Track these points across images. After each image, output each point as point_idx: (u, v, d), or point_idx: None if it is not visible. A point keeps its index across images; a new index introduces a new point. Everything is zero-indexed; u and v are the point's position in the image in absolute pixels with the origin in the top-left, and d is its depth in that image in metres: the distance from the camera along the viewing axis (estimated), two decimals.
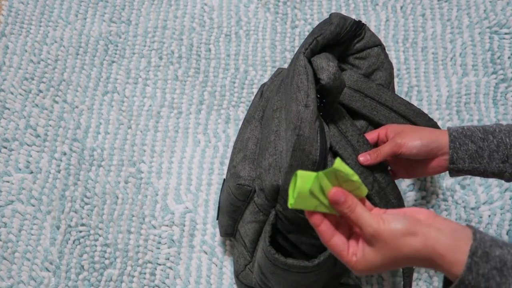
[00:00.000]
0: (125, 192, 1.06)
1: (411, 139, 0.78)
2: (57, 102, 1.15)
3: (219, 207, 0.95)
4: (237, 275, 0.94)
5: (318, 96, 0.78)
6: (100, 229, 1.03)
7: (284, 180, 0.77)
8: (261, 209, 0.84)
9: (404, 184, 1.06)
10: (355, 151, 0.80)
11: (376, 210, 0.62)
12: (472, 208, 1.03)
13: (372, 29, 1.21)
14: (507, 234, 1.01)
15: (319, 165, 0.75)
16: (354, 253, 0.60)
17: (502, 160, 0.75)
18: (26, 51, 1.20)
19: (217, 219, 0.97)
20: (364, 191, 0.61)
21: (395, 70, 1.17)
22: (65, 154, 1.09)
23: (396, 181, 1.04)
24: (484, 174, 0.77)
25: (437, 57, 1.18)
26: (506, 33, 1.20)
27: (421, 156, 0.78)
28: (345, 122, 0.82)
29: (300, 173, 0.59)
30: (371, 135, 0.83)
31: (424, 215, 0.59)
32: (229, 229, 0.94)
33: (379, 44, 0.89)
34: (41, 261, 1.00)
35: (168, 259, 1.01)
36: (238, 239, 0.92)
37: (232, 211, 0.89)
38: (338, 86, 0.78)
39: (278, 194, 0.80)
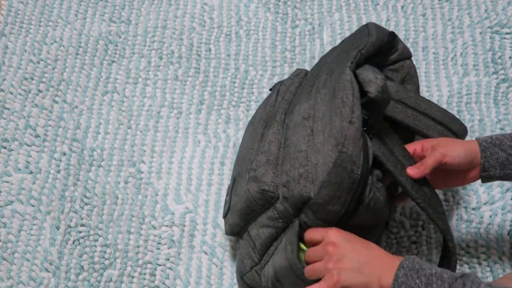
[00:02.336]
0: (125, 193, 1.06)
1: (454, 150, 0.80)
2: (56, 102, 1.14)
3: (229, 206, 0.92)
4: (242, 275, 0.92)
5: (363, 111, 0.77)
6: (100, 229, 1.02)
7: (318, 194, 0.75)
8: (282, 216, 0.82)
9: None
10: (403, 166, 0.80)
11: None
12: (473, 209, 1.03)
13: None
14: (508, 234, 1.00)
15: (359, 184, 0.74)
16: None
17: None
18: (25, 51, 1.20)
19: (224, 217, 0.95)
20: None
21: None
22: (64, 154, 1.09)
23: None
24: None
25: (438, 57, 1.18)
26: (507, 33, 1.19)
27: (463, 166, 0.81)
28: (390, 137, 0.81)
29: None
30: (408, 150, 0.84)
31: None
32: (237, 229, 0.92)
33: (410, 56, 0.89)
34: (41, 262, 1.00)
35: (168, 259, 1.00)
36: (247, 239, 0.91)
37: (246, 213, 0.88)
38: (386, 100, 0.77)
39: (305, 205, 0.78)
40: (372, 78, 0.76)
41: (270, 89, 1.00)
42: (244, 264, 0.91)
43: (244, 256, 0.91)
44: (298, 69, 0.96)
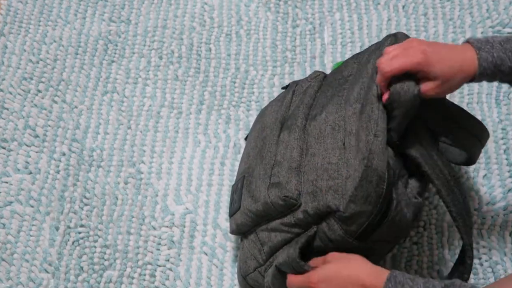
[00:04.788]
0: (125, 193, 1.05)
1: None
2: (56, 102, 1.14)
3: (239, 206, 0.91)
4: (245, 276, 0.92)
5: (390, 123, 0.76)
6: (99, 230, 1.02)
7: (346, 208, 0.75)
8: (299, 223, 0.82)
9: None
10: (441, 171, 0.79)
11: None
12: (475, 209, 1.02)
13: (374, 28, 1.21)
14: (510, 235, 1.00)
15: (384, 198, 0.74)
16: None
17: None
18: (25, 50, 1.19)
19: (231, 216, 0.94)
20: None
21: None
22: (64, 154, 1.09)
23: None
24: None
25: None
26: (508, 33, 1.19)
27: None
28: (427, 141, 0.80)
29: None
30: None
31: None
32: (245, 229, 0.91)
33: None
34: (40, 263, 1.00)
35: (168, 260, 1.00)
36: (253, 241, 0.90)
37: (260, 216, 0.87)
38: (408, 100, 0.75)
39: (330, 215, 0.78)
40: (403, 87, 0.76)
41: (283, 88, 1.00)
42: (247, 265, 0.91)
43: (248, 256, 0.90)
44: (316, 71, 0.96)
